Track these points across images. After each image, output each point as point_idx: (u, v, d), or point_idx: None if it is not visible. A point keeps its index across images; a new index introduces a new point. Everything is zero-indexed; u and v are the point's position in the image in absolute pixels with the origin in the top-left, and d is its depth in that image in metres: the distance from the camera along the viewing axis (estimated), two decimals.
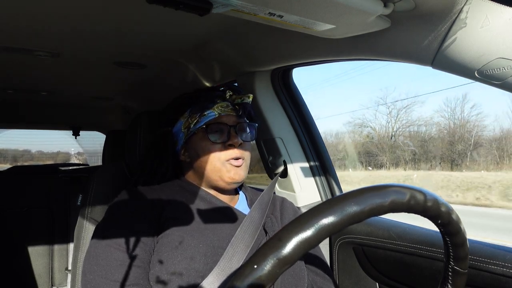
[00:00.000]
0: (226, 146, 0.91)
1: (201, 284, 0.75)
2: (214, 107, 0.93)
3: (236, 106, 0.96)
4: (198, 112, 0.93)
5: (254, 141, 1.42)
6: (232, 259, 0.79)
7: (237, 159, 0.92)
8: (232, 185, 0.93)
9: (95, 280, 0.74)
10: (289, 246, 0.37)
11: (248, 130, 0.97)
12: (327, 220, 0.38)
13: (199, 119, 0.92)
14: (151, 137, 1.06)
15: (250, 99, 0.97)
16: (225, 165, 0.91)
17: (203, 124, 0.92)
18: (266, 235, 0.91)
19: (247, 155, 0.95)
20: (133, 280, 0.74)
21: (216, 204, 0.92)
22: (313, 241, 0.38)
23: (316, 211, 0.39)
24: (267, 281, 0.36)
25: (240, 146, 0.92)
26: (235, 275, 0.37)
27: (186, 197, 0.91)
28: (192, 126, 0.93)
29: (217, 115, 0.93)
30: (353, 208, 0.39)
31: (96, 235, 0.80)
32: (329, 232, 0.38)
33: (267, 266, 0.36)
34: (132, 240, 0.77)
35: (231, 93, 0.96)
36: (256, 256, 0.38)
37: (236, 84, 1.37)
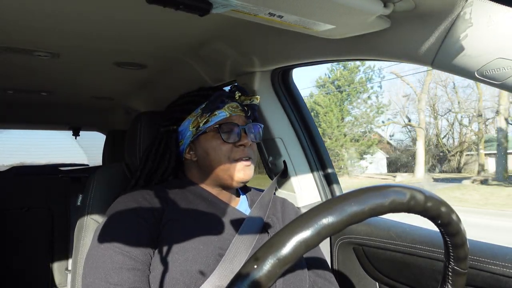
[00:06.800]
0: (236, 146, 0.92)
1: (202, 285, 0.75)
2: (225, 107, 0.94)
3: (245, 107, 0.98)
4: (209, 111, 0.93)
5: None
6: (233, 260, 0.79)
7: (247, 159, 0.93)
8: (240, 184, 0.94)
9: (95, 283, 0.73)
10: (289, 246, 0.37)
11: (256, 130, 0.99)
12: (327, 220, 0.38)
13: (209, 119, 0.93)
14: (153, 136, 1.06)
15: (258, 100, 0.99)
16: (236, 164, 0.92)
17: (215, 123, 0.93)
18: (268, 235, 0.91)
19: (255, 155, 0.97)
20: (132, 283, 0.73)
21: (217, 204, 0.92)
22: (313, 241, 0.37)
23: (316, 211, 0.39)
24: (267, 281, 0.36)
25: (249, 146, 0.94)
26: (235, 275, 0.37)
27: (187, 198, 0.91)
28: (201, 125, 0.93)
29: (228, 115, 0.94)
30: (353, 208, 0.39)
31: (96, 238, 0.80)
32: (329, 232, 0.38)
33: (267, 266, 0.36)
34: (131, 242, 0.77)
35: (240, 94, 0.99)
36: (255, 256, 0.37)
37: (236, 84, 1.37)
